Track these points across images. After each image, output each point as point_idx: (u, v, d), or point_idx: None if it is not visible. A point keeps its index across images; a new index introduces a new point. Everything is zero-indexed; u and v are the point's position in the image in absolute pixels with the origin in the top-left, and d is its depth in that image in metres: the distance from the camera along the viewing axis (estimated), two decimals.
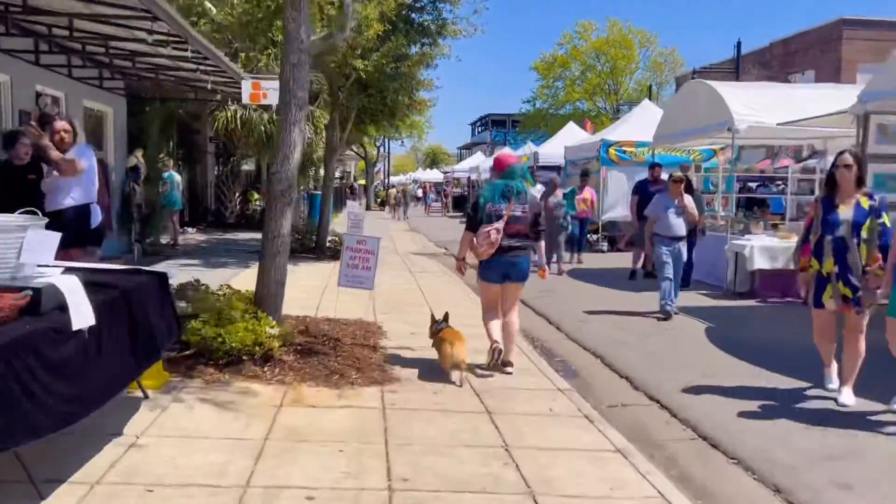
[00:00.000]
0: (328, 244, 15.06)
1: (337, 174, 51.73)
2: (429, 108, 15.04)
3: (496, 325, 6.11)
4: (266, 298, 6.24)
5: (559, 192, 13.91)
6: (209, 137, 20.35)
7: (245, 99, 10.89)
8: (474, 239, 5.93)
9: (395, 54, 12.46)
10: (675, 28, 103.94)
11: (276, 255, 6.25)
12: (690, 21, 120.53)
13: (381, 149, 50.04)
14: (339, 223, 20.44)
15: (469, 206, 6.51)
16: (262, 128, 18.12)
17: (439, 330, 6.07)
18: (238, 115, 18.06)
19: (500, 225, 5.77)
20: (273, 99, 10.97)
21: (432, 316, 6.38)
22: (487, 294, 6.19)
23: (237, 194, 20.05)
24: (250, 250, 14.98)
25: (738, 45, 25.43)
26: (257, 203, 20.42)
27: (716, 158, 16.79)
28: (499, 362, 5.99)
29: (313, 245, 14.79)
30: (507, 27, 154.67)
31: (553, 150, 23.48)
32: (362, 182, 55.36)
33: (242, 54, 13.23)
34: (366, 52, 12.14)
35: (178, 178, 15.14)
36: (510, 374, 6.04)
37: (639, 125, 17.99)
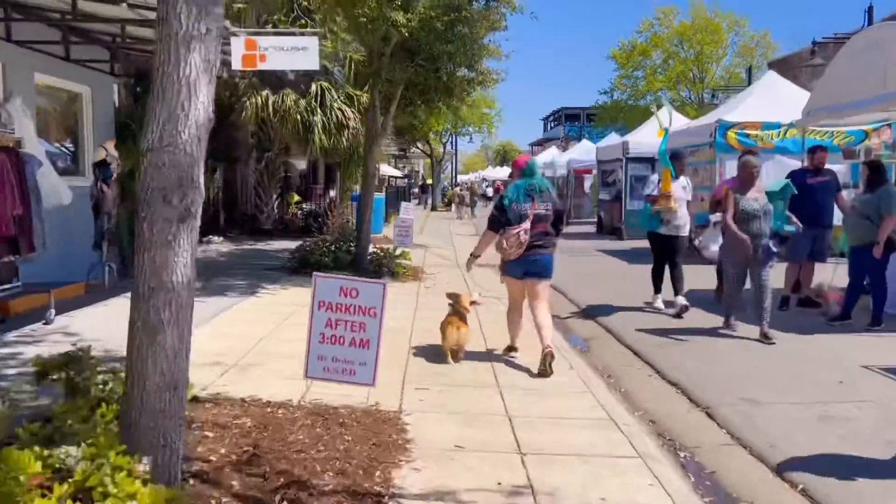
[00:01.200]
0: (369, 257, 11.80)
1: (403, 173, 48.77)
2: (496, 82, 11.51)
3: (516, 324, 6.27)
4: (138, 432, 2.89)
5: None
6: (252, 132, 17.46)
7: (236, 64, 7.69)
8: (503, 241, 5.86)
9: (448, 2, 9.06)
10: (767, 10, 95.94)
11: (154, 332, 2.85)
12: (783, 3, 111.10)
13: (448, 146, 46.73)
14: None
15: (494, 207, 6.32)
16: (298, 116, 15.04)
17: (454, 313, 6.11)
18: (270, 102, 15.04)
19: (527, 225, 5.78)
20: (275, 62, 7.73)
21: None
22: (511, 290, 6.22)
23: (275, 196, 17.11)
24: (271, 266, 11.83)
25: (870, 10, 21.02)
26: (298, 206, 17.38)
27: (871, 141, 12.75)
28: (549, 366, 5.69)
29: (350, 258, 11.55)
30: (580, 16, 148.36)
31: (646, 138, 19.65)
32: (430, 181, 52.28)
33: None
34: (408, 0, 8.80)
35: None
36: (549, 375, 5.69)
37: (764, 102, 14.10)
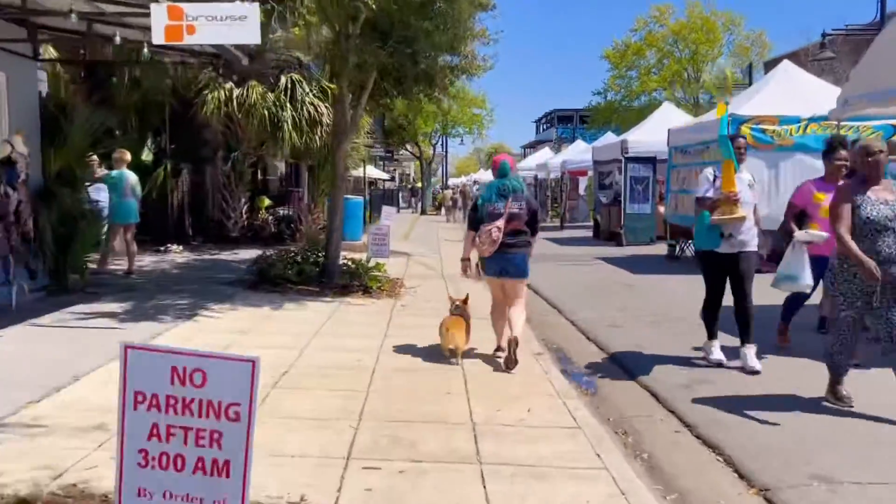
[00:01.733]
0: (342, 268, 10.33)
1: (389, 175, 47.31)
2: (483, 69, 10.03)
3: (500, 324, 6.25)
4: None
5: None
6: (220, 130, 15.89)
7: (158, 38, 6.19)
8: (477, 238, 5.93)
9: None
10: (764, 6, 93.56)
11: None
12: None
13: (439, 148, 45.25)
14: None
15: (470, 207, 6.46)
16: (266, 111, 13.51)
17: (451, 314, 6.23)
18: (234, 96, 13.52)
19: (500, 223, 5.84)
20: (207, 34, 6.23)
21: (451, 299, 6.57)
22: (491, 288, 6.35)
23: (243, 200, 15.56)
24: (227, 280, 10.32)
25: (882, 1, 19.63)
26: (270, 211, 15.86)
27: None
28: (513, 353, 5.78)
29: (318, 270, 10.06)
30: (572, 16, 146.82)
31: (645, 137, 18.30)
32: (419, 184, 50.77)
33: None
34: None
35: (132, 179, 10.60)
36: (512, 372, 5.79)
37: (780, 95, 12.67)
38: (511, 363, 5.80)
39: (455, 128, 40.35)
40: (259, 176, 16.52)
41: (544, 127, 78.98)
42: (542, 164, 30.84)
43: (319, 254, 10.44)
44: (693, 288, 7.61)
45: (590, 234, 22.20)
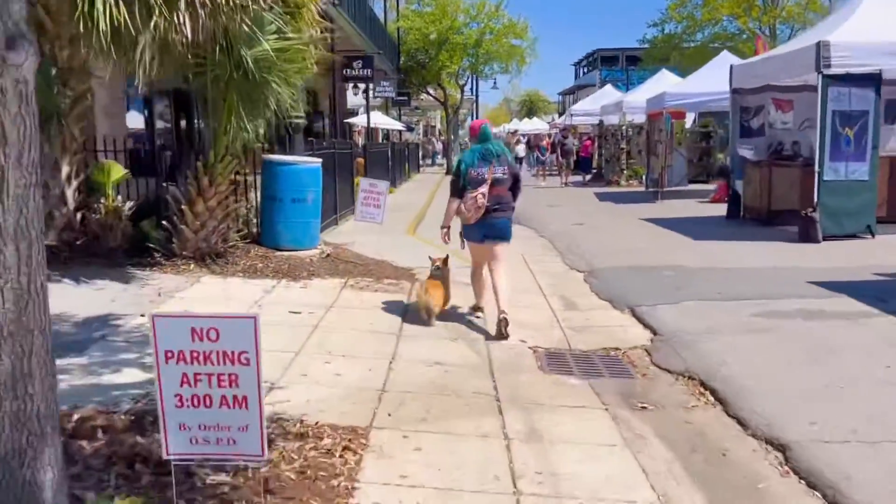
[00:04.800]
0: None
1: (406, 126, 38.49)
2: None
3: (480, 284, 6.23)
4: None
5: None
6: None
7: None
8: (461, 205, 5.83)
9: None
10: None
11: None
12: None
13: (467, 92, 36.34)
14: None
15: (452, 173, 6.23)
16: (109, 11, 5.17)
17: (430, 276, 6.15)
18: None
19: (485, 189, 5.77)
20: None
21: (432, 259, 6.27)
22: (473, 253, 6.20)
23: (66, 171, 7.40)
24: None
25: None
26: (114, 202, 7.48)
27: None
28: (504, 330, 5.61)
29: None
30: None
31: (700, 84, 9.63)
32: (444, 137, 42.03)
33: None
34: None
35: None
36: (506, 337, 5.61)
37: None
38: (502, 337, 5.60)
39: (488, 65, 31.44)
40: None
41: (584, 70, 69.30)
42: (612, 106, 22.00)
43: None
44: None
45: (714, 209, 13.71)
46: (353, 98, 28.00)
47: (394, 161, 18.44)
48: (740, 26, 41.29)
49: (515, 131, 27.41)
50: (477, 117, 44.24)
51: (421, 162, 32.80)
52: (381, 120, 27.39)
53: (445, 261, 6.18)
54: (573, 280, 8.11)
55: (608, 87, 28.35)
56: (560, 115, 56.55)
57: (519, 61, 30.42)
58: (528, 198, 19.16)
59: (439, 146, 41.29)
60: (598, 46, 64.83)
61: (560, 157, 22.51)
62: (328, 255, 7.79)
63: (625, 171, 21.18)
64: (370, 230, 9.36)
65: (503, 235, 5.98)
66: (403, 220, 10.18)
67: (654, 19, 50.39)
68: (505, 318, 5.61)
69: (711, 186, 18.36)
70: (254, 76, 6.77)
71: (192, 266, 6.96)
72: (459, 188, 5.85)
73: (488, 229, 5.88)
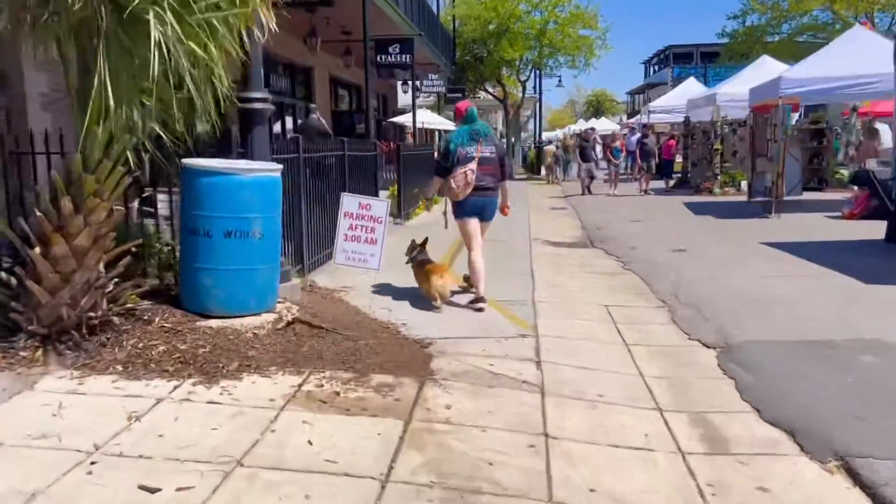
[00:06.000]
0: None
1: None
2: None
3: (478, 273, 6.00)
4: None
5: None
6: None
7: None
8: (451, 181, 5.90)
9: None
10: None
11: None
12: None
13: (529, 90, 32.88)
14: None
15: (438, 154, 6.41)
16: None
17: (421, 261, 6.03)
18: None
19: (473, 166, 5.86)
20: None
21: (413, 242, 6.20)
22: (466, 229, 6.16)
23: None
24: None
25: None
26: None
27: None
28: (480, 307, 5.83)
29: None
30: None
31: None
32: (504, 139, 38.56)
33: None
34: None
35: None
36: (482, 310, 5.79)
37: None
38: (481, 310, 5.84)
39: (553, 57, 27.98)
40: None
41: (655, 68, 64.91)
42: (702, 99, 18.33)
43: None
44: None
45: (856, 228, 10.12)
46: (405, 97, 25.08)
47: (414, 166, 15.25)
48: (832, 16, 36.88)
49: (593, 129, 23.69)
50: (540, 117, 40.67)
51: None
52: (432, 119, 24.28)
53: (424, 244, 6.21)
54: (701, 369, 4.76)
55: (691, 79, 24.48)
56: (629, 115, 52.48)
57: (587, 53, 26.85)
58: (600, 208, 15.69)
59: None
60: (669, 42, 60.60)
61: (639, 160, 18.90)
62: (290, 322, 4.66)
63: (718, 177, 17.47)
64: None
65: (491, 215, 6.20)
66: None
67: (734, 11, 46.19)
68: (481, 297, 5.89)
69: (834, 196, 14.63)
70: (135, 17, 3.73)
71: (38, 353, 3.95)
72: (445, 168, 5.97)
73: (481, 208, 6.07)
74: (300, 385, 3.90)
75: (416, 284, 6.12)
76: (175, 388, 3.74)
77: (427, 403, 3.76)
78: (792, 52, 29.04)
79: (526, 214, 14.47)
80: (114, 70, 3.94)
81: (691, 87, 22.22)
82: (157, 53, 3.71)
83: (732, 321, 5.72)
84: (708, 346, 5.17)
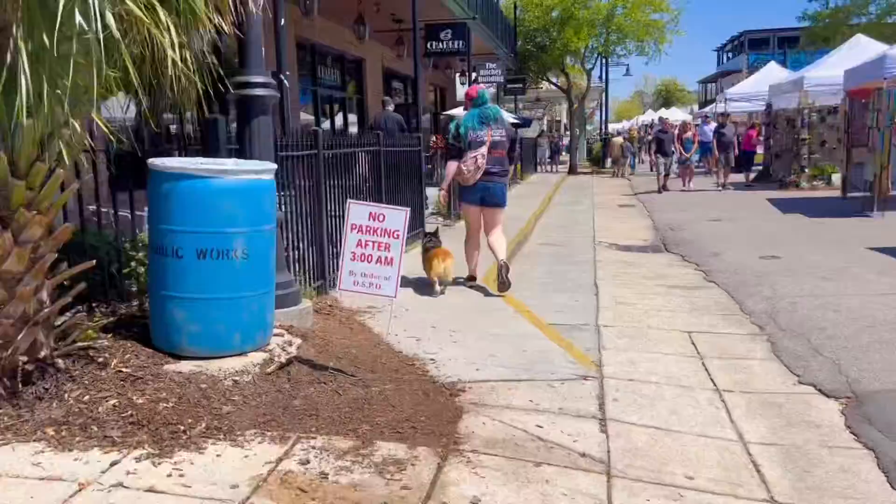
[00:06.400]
0: None
1: (519, 120, 34.43)
2: None
3: (473, 252, 6.28)
4: None
5: None
6: None
7: None
8: (462, 165, 5.88)
9: None
10: None
11: None
12: None
13: (594, 80, 31.25)
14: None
15: (450, 138, 6.15)
16: None
17: (430, 247, 6.08)
18: None
19: (484, 150, 5.84)
20: None
21: (424, 231, 6.67)
22: (468, 217, 6.28)
23: None
24: None
25: None
26: None
27: None
28: (506, 276, 5.85)
29: None
30: None
31: None
32: (564, 132, 36.82)
33: None
34: None
35: None
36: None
37: None
38: (504, 286, 5.85)
39: (621, 44, 26.41)
40: None
41: (729, 55, 61.90)
42: (788, 84, 16.61)
43: None
44: None
45: None
46: (463, 89, 24.01)
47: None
48: None
49: (686, 122, 21.76)
50: (607, 108, 38.90)
51: (542, 160, 28.15)
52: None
53: (436, 233, 6.30)
54: (824, 432, 3.54)
55: (772, 64, 22.55)
56: (701, 105, 50.01)
57: (658, 39, 25.16)
58: (673, 205, 14.22)
59: (563, 141, 36.21)
60: (744, 28, 57.65)
61: (716, 151, 17.28)
62: (284, 363, 3.68)
63: (806, 170, 15.76)
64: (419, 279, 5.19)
65: (499, 201, 6.12)
66: (489, 255, 6.02)
67: None
68: (505, 264, 5.91)
69: None
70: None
71: None
72: (458, 151, 5.94)
73: (486, 192, 6.01)
74: (279, 460, 2.90)
75: (457, 302, 5.06)
76: (112, 464, 2.80)
77: (446, 495, 2.71)
78: (878, 36, 26.69)
79: (590, 212, 13.22)
80: (35, 37, 3.01)
81: (773, 73, 20.39)
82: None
83: (855, 357, 4.46)
84: (828, 396, 3.95)
